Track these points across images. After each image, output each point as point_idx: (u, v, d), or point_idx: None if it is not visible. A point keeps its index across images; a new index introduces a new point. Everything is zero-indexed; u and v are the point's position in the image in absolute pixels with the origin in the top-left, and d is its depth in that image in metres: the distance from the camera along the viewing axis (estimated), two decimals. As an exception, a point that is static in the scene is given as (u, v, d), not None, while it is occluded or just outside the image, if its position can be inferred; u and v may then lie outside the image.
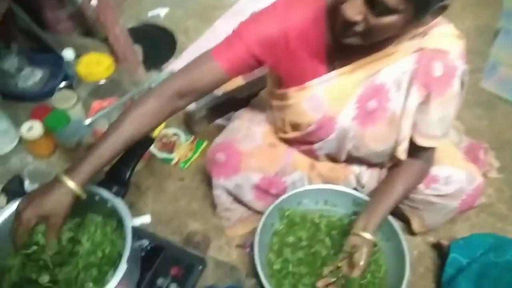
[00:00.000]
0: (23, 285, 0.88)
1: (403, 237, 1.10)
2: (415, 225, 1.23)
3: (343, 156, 1.13)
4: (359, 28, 0.82)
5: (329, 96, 1.00)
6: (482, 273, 1.09)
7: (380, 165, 1.17)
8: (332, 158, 1.18)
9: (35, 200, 0.83)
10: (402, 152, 1.01)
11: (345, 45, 0.89)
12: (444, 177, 1.09)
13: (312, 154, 1.18)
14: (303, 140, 1.13)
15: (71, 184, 0.84)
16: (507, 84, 1.74)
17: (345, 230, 1.16)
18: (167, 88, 0.96)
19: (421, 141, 0.99)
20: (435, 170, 1.09)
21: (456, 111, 0.98)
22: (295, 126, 1.10)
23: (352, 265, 1.01)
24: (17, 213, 0.84)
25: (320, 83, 0.99)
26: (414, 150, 1.02)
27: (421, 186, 1.10)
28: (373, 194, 1.13)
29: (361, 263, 0.99)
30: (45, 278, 0.87)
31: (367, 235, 1.01)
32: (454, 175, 1.09)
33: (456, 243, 1.18)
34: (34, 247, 0.86)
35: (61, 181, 0.84)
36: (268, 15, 0.96)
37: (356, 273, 1.00)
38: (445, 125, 0.98)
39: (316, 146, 1.12)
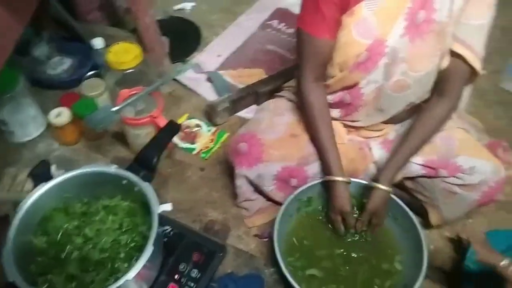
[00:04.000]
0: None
1: (421, 230, 1.11)
2: (433, 218, 1.23)
3: (388, 93, 1.12)
4: None
5: (378, 18, 1.01)
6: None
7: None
8: (376, 102, 1.15)
9: None
10: (446, 62, 1.04)
11: None
12: (469, 167, 1.11)
13: (355, 101, 1.17)
14: (349, 82, 1.13)
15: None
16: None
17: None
18: (308, 86, 1.14)
19: (460, 49, 1.01)
20: (460, 161, 1.11)
21: (489, 32, 1.02)
22: (344, 64, 1.09)
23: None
24: None
25: (369, 4, 1.00)
26: (443, 81, 1.05)
27: (445, 174, 1.12)
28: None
29: (371, 207, 1.09)
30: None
31: (381, 186, 1.09)
32: (479, 166, 1.11)
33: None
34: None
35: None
36: None
37: (372, 218, 1.10)
38: (482, 39, 1.02)
39: (362, 83, 1.11)
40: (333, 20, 1.04)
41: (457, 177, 1.12)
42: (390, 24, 1.01)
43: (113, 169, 0.98)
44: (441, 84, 1.08)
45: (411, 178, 1.20)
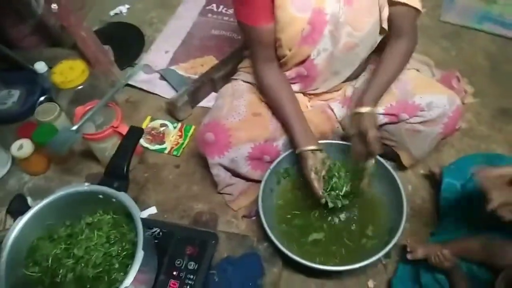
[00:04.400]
0: None
1: (395, 173, 1.16)
2: (404, 159, 1.29)
3: (339, 56, 1.14)
4: None
5: None
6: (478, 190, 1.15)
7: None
8: (330, 67, 1.18)
9: None
10: (385, 21, 1.09)
11: None
12: (426, 104, 1.16)
13: (311, 73, 1.19)
14: (300, 57, 1.15)
15: None
16: (466, 13, 1.81)
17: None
18: (262, 69, 1.17)
19: None
20: (417, 100, 1.17)
21: None
22: (291, 41, 1.12)
23: (364, 141, 1.07)
24: None
25: None
26: (397, 26, 1.10)
27: (406, 116, 1.17)
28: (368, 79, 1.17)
29: (370, 132, 1.05)
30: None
31: (364, 109, 1.08)
32: (435, 101, 1.16)
33: (448, 168, 1.23)
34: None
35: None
36: None
37: (372, 145, 1.05)
38: None
39: (313, 55, 1.14)
40: (266, 6, 1.05)
41: (417, 116, 1.18)
42: None
43: (85, 187, 0.98)
44: (395, 30, 1.12)
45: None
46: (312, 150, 1.12)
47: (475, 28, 1.77)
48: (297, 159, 1.18)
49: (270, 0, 1.06)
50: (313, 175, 1.10)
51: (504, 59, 1.67)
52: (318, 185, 1.09)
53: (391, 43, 1.14)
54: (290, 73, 1.21)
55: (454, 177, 1.22)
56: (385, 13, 1.08)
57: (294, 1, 1.05)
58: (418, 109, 1.17)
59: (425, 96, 1.17)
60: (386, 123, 1.22)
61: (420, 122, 1.19)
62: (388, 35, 1.14)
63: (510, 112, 1.51)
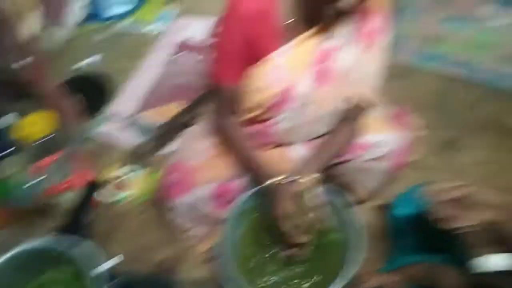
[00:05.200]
0: None
1: (350, 208, 1.18)
2: (361, 193, 1.35)
3: (298, 130, 1.20)
4: None
5: (290, 65, 1.08)
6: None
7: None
8: (288, 137, 1.23)
9: None
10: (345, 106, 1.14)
11: (306, 13, 1.01)
12: (374, 142, 1.22)
13: (267, 139, 1.24)
14: (263, 119, 1.19)
15: None
16: (415, 54, 1.92)
17: None
18: (223, 123, 1.20)
19: (354, 94, 1.11)
20: (366, 139, 1.22)
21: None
22: (257, 106, 1.15)
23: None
24: None
25: (281, 53, 1.07)
26: (349, 112, 1.15)
27: (355, 155, 1.23)
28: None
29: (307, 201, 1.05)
30: None
31: (303, 179, 1.09)
32: (383, 139, 1.23)
33: (397, 199, 1.28)
34: None
35: None
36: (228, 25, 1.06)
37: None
38: (375, 80, 1.12)
39: (275, 121, 1.18)
40: (245, 67, 1.10)
41: (366, 154, 1.23)
42: (301, 72, 1.10)
43: (37, 243, 0.98)
44: (343, 113, 1.17)
45: (329, 167, 1.27)
46: (284, 178, 1.10)
47: (423, 67, 1.88)
48: (263, 194, 1.15)
49: (252, 63, 1.09)
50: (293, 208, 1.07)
51: (450, 95, 1.79)
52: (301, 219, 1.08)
53: (339, 124, 1.18)
54: (248, 130, 1.25)
55: (404, 206, 1.25)
56: (350, 100, 1.14)
57: (270, 72, 1.09)
58: (367, 147, 1.23)
59: (375, 134, 1.23)
60: (335, 164, 1.27)
61: (370, 159, 1.24)
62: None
63: (455, 143, 1.62)
